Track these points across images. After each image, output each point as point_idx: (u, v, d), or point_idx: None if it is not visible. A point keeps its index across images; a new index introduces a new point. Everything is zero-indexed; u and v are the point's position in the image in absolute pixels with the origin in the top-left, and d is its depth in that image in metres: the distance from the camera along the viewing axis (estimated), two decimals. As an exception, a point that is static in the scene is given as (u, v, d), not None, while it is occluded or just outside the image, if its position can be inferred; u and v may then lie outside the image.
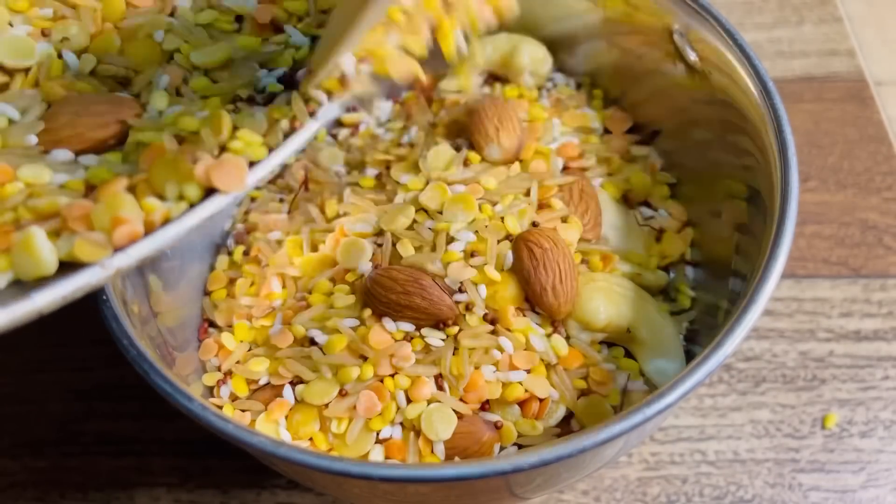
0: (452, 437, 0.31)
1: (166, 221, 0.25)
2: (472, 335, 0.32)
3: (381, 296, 0.32)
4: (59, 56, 0.30)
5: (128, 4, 0.32)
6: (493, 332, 0.32)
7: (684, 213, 0.38)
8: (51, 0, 0.31)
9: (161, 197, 0.25)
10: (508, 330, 0.33)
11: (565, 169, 0.38)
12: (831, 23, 0.55)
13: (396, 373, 0.32)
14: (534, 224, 0.34)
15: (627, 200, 0.39)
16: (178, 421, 0.40)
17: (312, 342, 0.33)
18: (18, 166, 0.26)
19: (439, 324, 0.32)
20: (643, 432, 0.32)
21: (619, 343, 0.35)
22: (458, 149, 0.38)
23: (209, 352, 0.36)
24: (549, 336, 0.33)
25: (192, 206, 0.26)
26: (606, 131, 0.41)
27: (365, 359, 0.32)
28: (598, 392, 0.33)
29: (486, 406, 0.32)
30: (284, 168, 0.43)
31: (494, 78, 0.44)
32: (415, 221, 0.35)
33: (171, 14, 0.32)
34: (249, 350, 0.35)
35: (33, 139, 0.27)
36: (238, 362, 0.35)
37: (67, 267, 0.25)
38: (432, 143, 0.39)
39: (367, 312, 0.33)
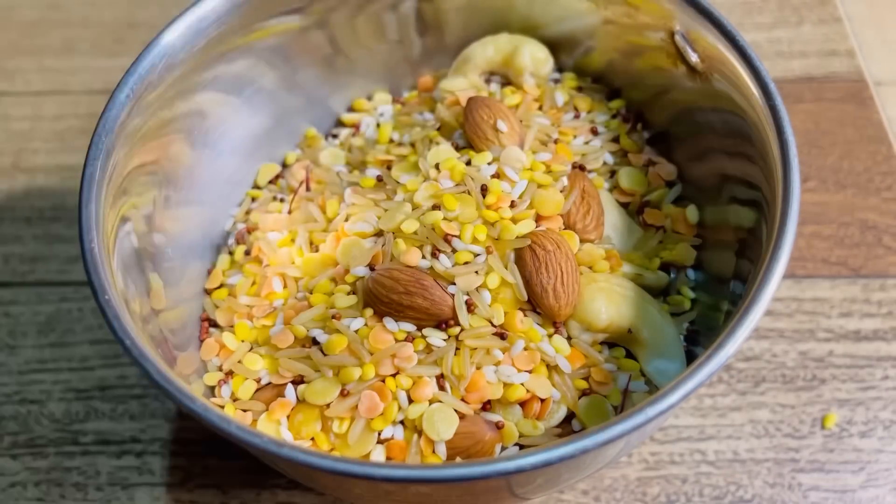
0: (454, 437, 0.31)
1: None
2: (474, 335, 0.32)
3: (383, 296, 0.32)
4: None
5: None
6: (498, 335, 0.33)
7: (694, 216, 0.38)
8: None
9: None
10: (512, 332, 0.33)
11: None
12: (831, 23, 0.55)
13: (398, 373, 0.32)
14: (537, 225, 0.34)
15: (630, 203, 0.39)
16: (178, 421, 0.40)
17: (314, 342, 0.33)
18: None
19: (441, 324, 0.33)
20: (644, 433, 0.32)
21: (620, 343, 0.35)
22: (458, 148, 0.38)
23: (210, 351, 0.36)
24: (550, 336, 0.33)
25: None
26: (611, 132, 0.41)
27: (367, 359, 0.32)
28: (599, 392, 0.33)
29: (487, 406, 0.32)
30: (285, 168, 0.43)
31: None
32: (418, 221, 0.35)
33: None
34: (251, 350, 0.35)
35: None
36: (239, 362, 0.35)
37: None
38: (432, 143, 0.39)
39: (369, 312, 0.33)
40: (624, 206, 0.39)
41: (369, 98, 0.46)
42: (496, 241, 0.34)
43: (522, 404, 0.33)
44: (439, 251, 0.34)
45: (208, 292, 0.39)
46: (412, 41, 0.44)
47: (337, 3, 0.41)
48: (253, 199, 0.42)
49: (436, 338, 0.32)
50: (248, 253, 0.39)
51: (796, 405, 0.40)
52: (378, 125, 0.43)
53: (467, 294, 0.33)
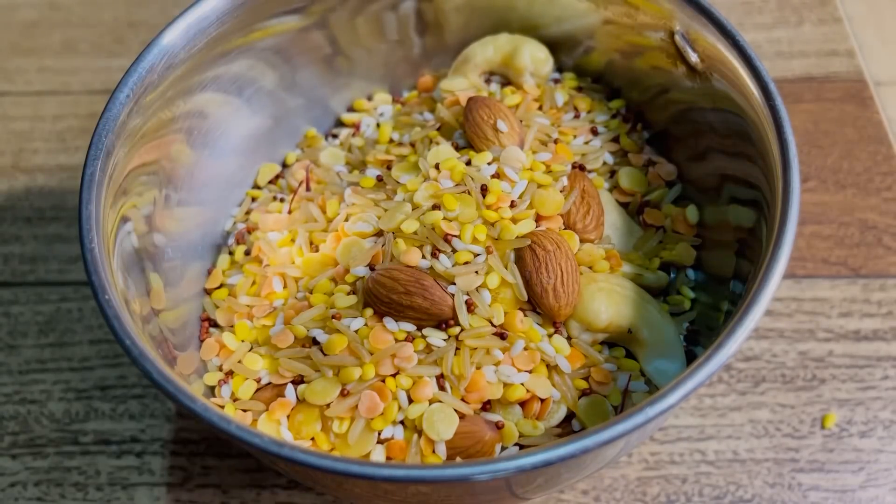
0: (454, 437, 0.31)
1: None
2: (474, 335, 0.32)
3: (383, 296, 0.32)
4: None
5: None
6: (498, 335, 0.33)
7: (694, 216, 0.38)
8: None
9: None
10: (512, 332, 0.33)
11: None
12: (831, 23, 0.55)
13: (398, 373, 0.32)
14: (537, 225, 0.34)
15: (630, 203, 0.39)
16: (178, 421, 0.40)
17: (314, 342, 0.33)
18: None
19: (441, 324, 0.33)
20: (644, 433, 0.32)
21: (620, 343, 0.35)
22: (458, 148, 0.38)
23: (210, 351, 0.36)
24: (550, 336, 0.33)
25: None
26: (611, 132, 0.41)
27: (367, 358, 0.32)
28: (599, 392, 0.33)
29: (487, 406, 0.32)
30: (285, 168, 0.43)
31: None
32: (418, 221, 0.35)
33: None
34: (251, 350, 0.35)
35: None
36: (239, 362, 0.35)
37: None
38: (432, 143, 0.39)
39: (369, 312, 0.33)
40: (624, 206, 0.39)
41: (369, 98, 0.46)
42: (496, 241, 0.34)
43: (522, 404, 0.33)
44: (439, 251, 0.34)
45: (208, 292, 0.39)
46: (412, 41, 0.44)
47: (337, 3, 0.41)
48: (253, 199, 0.42)
49: (436, 338, 0.32)
50: (248, 253, 0.39)
51: (796, 405, 0.40)
52: (378, 125, 0.43)
53: (467, 294, 0.33)
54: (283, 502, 0.38)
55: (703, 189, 0.39)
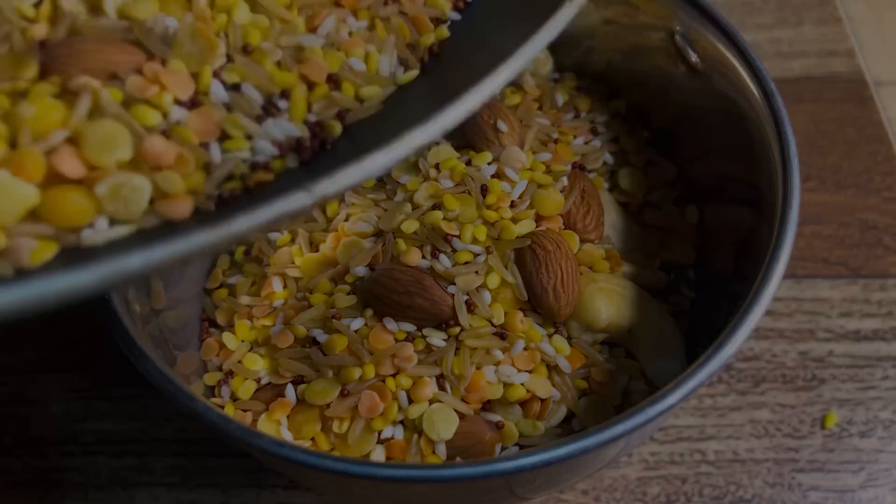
0: (454, 437, 0.31)
1: None
2: (474, 335, 0.32)
3: (383, 296, 0.32)
4: None
5: None
6: (498, 335, 0.33)
7: (693, 215, 0.38)
8: None
9: None
10: (512, 332, 0.33)
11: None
12: (831, 23, 0.55)
13: (398, 373, 0.32)
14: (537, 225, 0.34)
15: (630, 203, 0.39)
16: (178, 421, 0.40)
17: (314, 342, 0.33)
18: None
19: (441, 324, 0.33)
20: (644, 433, 0.32)
21: (620, 343, 0.35)
22: (458, 148, 0.38)
23: (210, 351, 0.36)
24: (550, 336, 0.33)
25: None
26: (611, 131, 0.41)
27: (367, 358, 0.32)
28: (599, 392, 0.33)
29: (487, 406, 0.32)
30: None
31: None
32: (418, 221, 0.35)
33: None
34: (251, 350, 0.35)
35: None
36: (239, 362, 0.35)
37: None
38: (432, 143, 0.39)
39: (369, 312, 0.33)
40: (624, 206, 0.39)
41: (369, 98, 0.46)
42: (496, 241, 0.34)
43: (522, 404, 0.33)
44: (439, 251, 0.34)
45: (208, 292, 0.39)
46: (412, 41, 0.44)
47: (337, 3, 0.41)
48: (253, 199, 0.42)
49: (436, 338, 0.32)
50: (248, 253, 0.39)
51: (796, 405, 0.40)
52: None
53: (467, 294, 0.33)
54: (283, 502, 0.38)
55: (703, 189, 0.39)
